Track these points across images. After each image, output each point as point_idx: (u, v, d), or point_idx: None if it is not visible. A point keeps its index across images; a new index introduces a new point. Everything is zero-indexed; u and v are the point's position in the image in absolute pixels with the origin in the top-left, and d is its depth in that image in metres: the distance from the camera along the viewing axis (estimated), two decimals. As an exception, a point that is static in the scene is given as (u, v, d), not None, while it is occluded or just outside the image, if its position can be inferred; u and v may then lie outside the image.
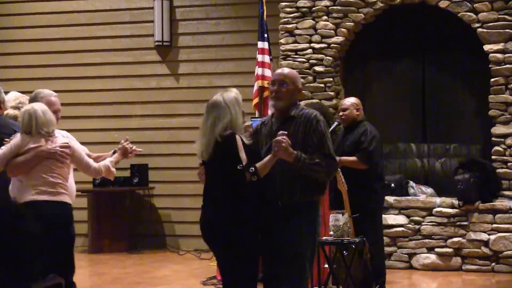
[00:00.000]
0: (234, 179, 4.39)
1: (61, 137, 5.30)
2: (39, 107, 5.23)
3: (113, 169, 5.42)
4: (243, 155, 4.42)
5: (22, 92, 6.31)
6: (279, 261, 4.47)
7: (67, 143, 5.23)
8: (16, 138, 5.25)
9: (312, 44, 9.00)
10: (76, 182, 9.80)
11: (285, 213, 4.48)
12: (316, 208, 4.57)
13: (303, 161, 4.39)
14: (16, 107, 5.92)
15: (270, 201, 4.51)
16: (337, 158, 6.21)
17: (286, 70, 4.77)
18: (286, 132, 4.42)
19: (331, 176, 4.59)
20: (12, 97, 6.05)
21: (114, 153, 5.56)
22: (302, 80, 8.74)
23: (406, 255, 8.39)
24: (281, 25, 9.10)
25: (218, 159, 4.46)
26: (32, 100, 5.53)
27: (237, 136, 4.47)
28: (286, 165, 4.42)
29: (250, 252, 4.45)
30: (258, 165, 4.39)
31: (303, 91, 8.89)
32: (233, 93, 4.62)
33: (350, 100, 6.89)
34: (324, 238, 6.13)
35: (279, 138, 4.37)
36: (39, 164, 5.12)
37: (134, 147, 5.55)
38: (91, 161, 5.37)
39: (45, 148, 5.14)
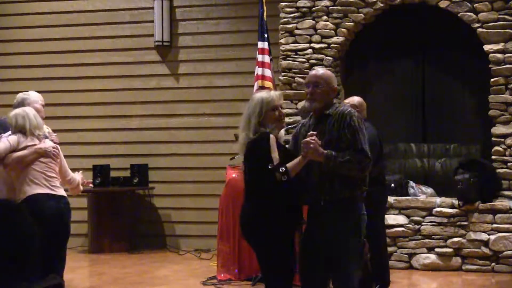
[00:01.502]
0: (265, 178, 4.43)
1: (48, 141, 5.81)
2: (30, 111, 5.72)
3: (81, 188, 6.05)
4: (275, 155, 4.46)
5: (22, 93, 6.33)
6: (324, 261, 4.51)
7: (57, 146, 5.77)
8: (13, 136, 5.62)
9: (312, 44, 9.00)
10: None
11: (328, 210, 4.50)
12: (359, 203, 4.57)
13: (334, 160, 4.40)
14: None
15: (312, 200, 4.56)
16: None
17: (320, 71, 4.79)
18: (315, 133, 4.45)
19: (365, 171, 4.52)
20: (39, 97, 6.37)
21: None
22: (301, 80, 8.87)
23: (406, 255, 8.39)
24: (281, 25, 9.10)
25: (251, 157, 4.55)
26: (19, 104, 5.89)
27: (271, 136, 4.53)
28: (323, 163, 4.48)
29: (283, 250, 4.51)
30: (288, 165, 4.42)
31: (303, 91, 8.91)
32: (264, 93, 4.73)
33: (352, 101, 6.86)
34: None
35: (307, 139, 4.41)
36: (35, 161, 5.58)
37: (85, 181, 6.25)
38: (69, 170, 5.98)
39: (42, 146, 5.62)
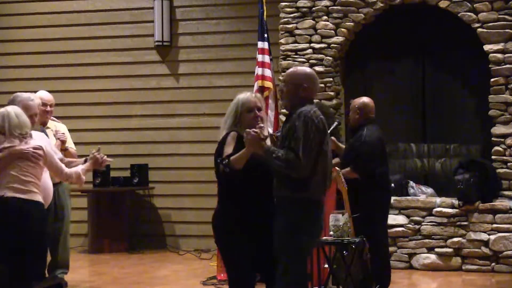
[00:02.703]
0: (216, 171, 4.52)
1: (37, 139, 5.45)
2: (13, 109, 5.40)
3: (83, 177, 5.60)
4: (227, 149, 4.50)
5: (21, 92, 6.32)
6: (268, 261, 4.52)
7: (41, 145, 5.39)
8: None
9: (312, 44, 9.00)
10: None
11: (277, 206, 4.52)
12: (301, 207, 4.41)
13: (269, 155, 4.36)
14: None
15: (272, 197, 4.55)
16: (341, 170, 6.26)
17: (290, 69, 4.76)
18: (262, 125, 4.46)
19: (294, 172, 4.33)
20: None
21: (85, 161, 5.72)
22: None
23: (406, 255, 8.39)
24: (281, 25, 9.10)
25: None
26: (10, 102, 5.74)
27: (232, 133, 4.58)
28: None
29: (227, 257, 4.58)
30: (232, 157, 4.43)
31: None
32: (242, 94, 4.75)
33: (355, 103, 6.84)
34: (324, 238, 6.13)
35: (247, 129, 4.41)
36: (11, 163, 5.26)
37: (105, 157, 5.68)
38: (63, 166, 5.55)
39: (18, 148, 5.28)
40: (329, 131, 6.70)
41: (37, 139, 5.46)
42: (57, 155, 5.71)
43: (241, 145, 4.45)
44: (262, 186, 4.52)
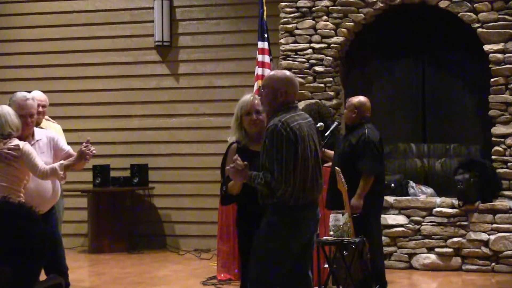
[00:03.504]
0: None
1: (18, 141, 5.25)
2: (0, 109, 5.26)
3: (61, 172, 5.29)
4: (226, 171, 4.60)
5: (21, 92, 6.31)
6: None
7: (17, 145, 5.20)
8: None
9: (312, 44, 9.00)
10: (76, 182, 9.87)
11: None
12: (276, 212, 4.43)
13: (252, 182, 4.41)
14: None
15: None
16: (356, 201, 6.35)
17: (267, 74, 4.75)
18: (236, 157, 4.45)
19: (276, 191, 4.35)
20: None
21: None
22: (301, 80, 8.88)
23: (406, 255, 8.39)
24: (281, 25, 9.10)
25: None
26: (9, 101, 5.59)
27: (232, 147, 4.71)
28: None
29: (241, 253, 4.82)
30: (229, 184, 4.61)
31: (303, 91, 8.91)
32: (243, 97, 4.82)
33: (352, 101, 6.84)
34: (324, 238, 6.13)
35: (228, 167, 4.50)
36: None
37: (92, 149, 5.37)
38: (39, 164, 5.25)
39: None
40: (329, 131, 6.79)
41: (17, 140, 5.27)
42: (63, 151, 5.52)
43: (242, 156, 4.49)
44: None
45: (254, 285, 4.50)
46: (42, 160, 5.32)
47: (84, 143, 5.35)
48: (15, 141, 5.24)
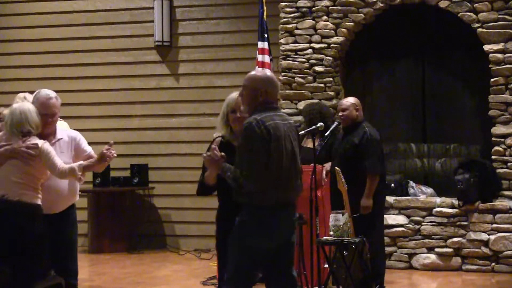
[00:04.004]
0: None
1: (37, 139, 5.21)
2: (19, 106, 5.23)
3: (79, 173, 5.28)
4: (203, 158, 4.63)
5: (22, 92, 6.31)
6: None
7: (36, 144, 5.16)
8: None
9: (312, 44, 8.99)
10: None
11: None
12: (247, 211, 4.41)
13: (224, 174, 4.43)
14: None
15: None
16: (366, 200, 6.44)
17: (248, 74, 4.65)
18: (214, 146, 4.47)
19: (243, 188, 4.33)
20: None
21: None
22: (301, 80, 8.88)
23: (406, 255, 8.39)
24: (281, 25, 9.10)
25: None
26: (33, 98, 5.51)
27: (216, 139, 4.75)
28: None
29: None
30: (205, 174, 4.67)
31: (303, 91, 8.92)
32: (230, 94, 4.84)
33: (350, 100, 6.88)
34: (324, 238, 6.13)
35: (203, 154, 4.50)
36: (4, 163, 5.10)
37: (114, 153, 5.38)
38: (58, 163, 5.22)
39: (9, 148, 5.12)
40: (329, 131, 6.79)
41: (36, 138, 5.23)
42: (85, 152, 5.51)
43: (224, 150, 4.51)
44: None
45: (226, 285, 4.54)
46: (61, 159, 5.28)
47: (106, 146, 5.36)
48: (35, 140, 5.20)
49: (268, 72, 4.87)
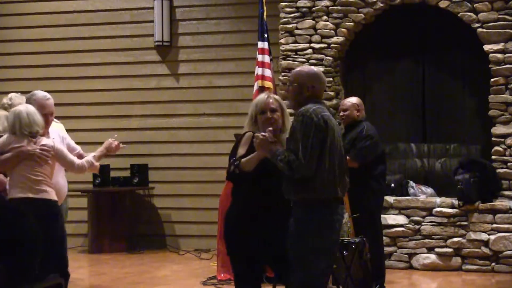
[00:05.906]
0: (228, 173, 4.61)
1: (46, 139, 5.42)
2: (25, 108, 5.38)
3: (97, 164, 5.59)
4: (241, 150, 4.55)
5: (22, 92, 6.32)
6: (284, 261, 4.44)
7: (49, 144, 5.38)
8: (2, 138, 5.40)
9: (312, 44, 9.00)
10: (77, 182, 9.85)
11: (292, 211, 4.43)
12: (307, 208, 4.32)
13: (275, 158, 4.30)
14: (4, 108, 6.05)
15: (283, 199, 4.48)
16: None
17: (295, 69, 4.70)
18: (270, 129, 4.40)
19: (295, 173, 4.24)
20: (6, 97, 6.17)
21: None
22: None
23: (406, 255, 8.39)
24: (281, 25, 9.10)
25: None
26: (26, 100, 5.65)
27: (246, 134, 4.63)
28: None
29: (232, 250, 4.63)
30: (243, 159, 4.48)
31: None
32: (259, 96, 4.81)
33: (351, 101, 6.89)
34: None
35: (257, 133, 4.41)
36: (21, 164, 5.28)
37: (116, 143, 5.69)
38: (74, 159, 5.53)
39: (25, 149, 5.28)
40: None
41: (45, 138, 5.43)
42: (74, 150, 5.76)
43: (253, 148, 4.48)
44: (271, 188, 4.53)
45: None
46: None
47: (110, 139, 5.70)
48: (43, 140, 5.39)
49: (314, 68, 4.85)
